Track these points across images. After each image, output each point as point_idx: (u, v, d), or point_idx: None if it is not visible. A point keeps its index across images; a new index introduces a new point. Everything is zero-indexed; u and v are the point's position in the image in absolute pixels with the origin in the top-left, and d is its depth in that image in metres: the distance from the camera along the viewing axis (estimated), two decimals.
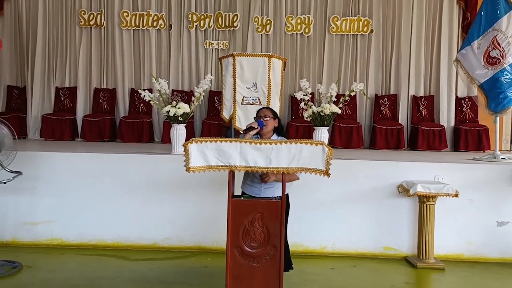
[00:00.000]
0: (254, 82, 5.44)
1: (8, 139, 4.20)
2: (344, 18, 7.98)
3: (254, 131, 3.49)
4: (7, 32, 8.20)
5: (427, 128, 7.48)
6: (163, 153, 5.42)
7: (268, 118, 3.60)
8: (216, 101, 7.87)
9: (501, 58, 5.61)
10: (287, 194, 3.65)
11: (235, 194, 3.43)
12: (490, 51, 5.67)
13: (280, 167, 3.12)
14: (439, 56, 7.92)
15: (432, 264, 4.62)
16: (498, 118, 5.75)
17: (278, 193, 3.44)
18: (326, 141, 5.39)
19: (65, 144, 6.94)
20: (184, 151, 3.13)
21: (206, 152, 3.13)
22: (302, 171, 3.15)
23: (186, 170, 3.13)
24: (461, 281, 4.40)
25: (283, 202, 3.23)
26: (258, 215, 3.23)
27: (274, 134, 3.66)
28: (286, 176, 3.24)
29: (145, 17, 8.08)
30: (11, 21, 8.25)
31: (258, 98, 5.45)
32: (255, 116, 3.73)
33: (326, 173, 3.09)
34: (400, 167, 5.04)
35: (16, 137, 4.27)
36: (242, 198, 3.52)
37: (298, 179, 3.56)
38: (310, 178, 3.54)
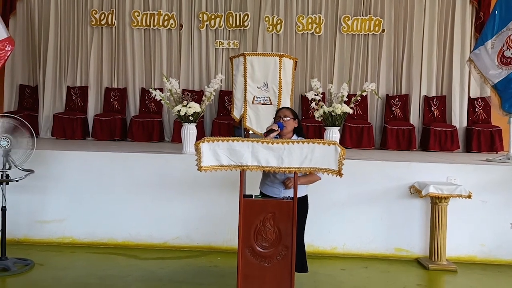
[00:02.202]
0: (265, 82, 5.43)
1: (24, 138, 4.23)
2: (355, 17, 7.92)
3: (275, 133, 3.45)
4: (19, 32, 8.26)
5: (439, 129, 7.40)
6: (173, 152, 5.43)
7: (288, 119, 3.56)
8: (226, 100, 7.86)
9: None
10: (306, 195, 3.63)
11: (247, 193, 3.41)
12: (504, 51, 5.59)
13: (292, 166, 3.10)
14: (452, 56, 7.83)
15: (444, 266, 4.58)
16: None
17: (300, 193, 3.41)
18: (337, 141, 5.36)
19: (76, 143, 6.98)
20: (196, 150, 3.13)
21: (218, 152, 3.12)
22: (314, 171, 3.13)
23: (198, 169, 3.12)
24: (474, 283, 4.36)
25: (295, 202, 3.22)
26: (270, 215, 3.21)
27: (294, 135, 3.63)
28: (304, 177, 3.30)
29: (156, 17, 8.10)
30: (23, 21, 8.31)
31: (269, 98, 5.43)
32: (274, 116, 3.70)
33: (339, 173, 3.07)
34: (412, 168, 5.00)
35: (34, 135, 4.30)
36: (253, 197, 3.49)
37: (320, 179, 3.54)
38: (322, 178, 3.53)
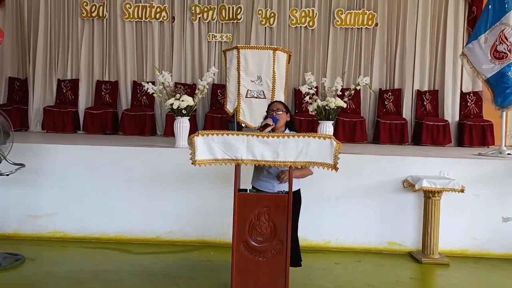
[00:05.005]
0: (259, 75, 5.39)
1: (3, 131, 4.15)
2: (348, 11, 7.90)
3: (270, 128, 3.42)
4: (8, 24, 8.11)
5: (431, 123, 7.42)
6: (166, 146, 5.38)
7: (281, 112, 3.54)
8: (219, 94, 7.81)
9: (508, 53, 5.53)
10: (299, 189, 3.62)
11: (241, 188, 3.38)
12: (497, 45, 5.60)
13: (288, 160, 3.08)
14: (444, 50, 7.85)
15: (437, 260, 4.60)
16: (504, 113, 5.69)
17: (293, 187, 3.38)
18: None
19: (67, 137, 6.90)
20: (190, 144, 3.09)
21: (213, 145, 3.09)
22: (309, 165, 3.11)
23: (192, 163, 3.09)
24: (466, 276, 4.38)
25: (290, 196, 3.20)
26: (265, 209, 3.20)
27: (287, 129, 3.61)
28: (298, 171, 3.26)
29: (148, 9, 8.00)
30: (12, 12, 8.16)
31: (263, 92, 5.39)
32: (267, 110, 3.67)
33: (334, 167, 3.06)
34: (405, 162, 5.00)
35: (12, 128, 4.20)
36: (248, 191, 3.47)
37: (312, 174, 3.54)
38: (315, 172, 3.53)
